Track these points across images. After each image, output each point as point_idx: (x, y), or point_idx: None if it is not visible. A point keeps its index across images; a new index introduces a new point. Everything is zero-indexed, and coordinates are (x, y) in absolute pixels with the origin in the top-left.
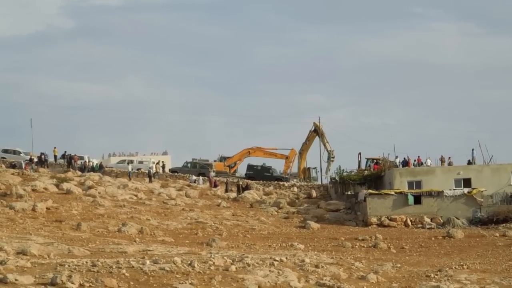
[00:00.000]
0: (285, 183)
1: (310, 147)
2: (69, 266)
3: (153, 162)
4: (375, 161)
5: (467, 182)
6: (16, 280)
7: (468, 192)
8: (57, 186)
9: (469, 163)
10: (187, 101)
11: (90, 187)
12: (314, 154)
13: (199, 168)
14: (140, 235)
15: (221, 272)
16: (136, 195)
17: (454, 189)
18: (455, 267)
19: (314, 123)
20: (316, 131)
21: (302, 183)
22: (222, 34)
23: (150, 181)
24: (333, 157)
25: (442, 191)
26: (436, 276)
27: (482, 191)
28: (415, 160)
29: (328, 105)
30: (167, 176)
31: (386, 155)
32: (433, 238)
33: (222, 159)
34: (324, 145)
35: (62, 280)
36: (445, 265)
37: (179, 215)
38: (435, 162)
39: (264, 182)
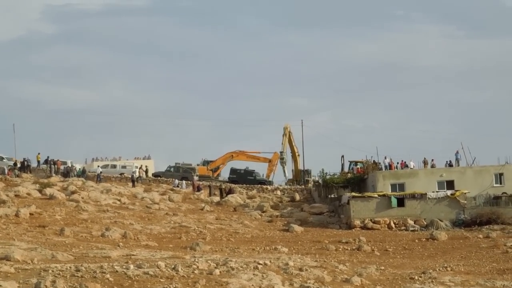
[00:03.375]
0: (268, 186)
1: (296, 149)
2: (53, 271)
3: (136, 167)
4: (358, 164)
5: (450, 184)
6: (0, 285)
7: (451, 194)
8: (40, 191)
9: (451, 165)
10: (169, 105)
11: (73, 192)
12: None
13: (182, 172)
14: (123, 239)
15: (205, 276)
16: (119, 200)
17: (437, 191)
18: (439, 269)
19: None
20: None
21: (296, 186)
22: (204, 38)
23: (133, 185)
24: (282, 159)
25: (425, 194)
26: (420, 278)
27: (465, 193)
28: (398, 163)
29: (311, 108)
30: (150, 181)
31: (369, 158)
32: (416, 240)
33: (205, 163)
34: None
35: (46, 285)
36: (429, 267)
37: (162, 219)
38: (418, 165)
39: (248, 185)
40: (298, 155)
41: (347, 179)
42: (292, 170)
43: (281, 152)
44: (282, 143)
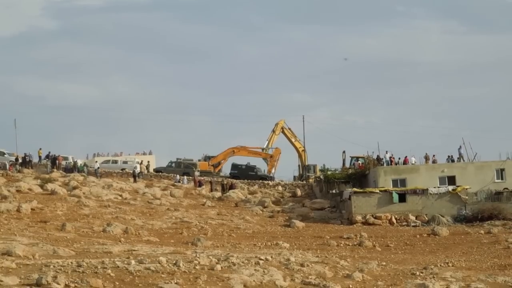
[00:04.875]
0: (269, 182)
1: (299, 145)
2: (54, 266)
3: (138, 162)
4: (359, 159)
5: (451, 180)
6: (1, 281)
7: (453, 190)
8: (41, 186)
9: (452, 160)
10: (171, 101)
11: (74, 188)
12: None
13: (184, 168)
14: (125, 235)
15: (207, 272)
16: (120, 195)
17: (438, 187)
18: (440, 265)
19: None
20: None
21: (298, 182)
22: (205, 33)
23: (135, 181)
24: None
25: (427, 189)
26: (421, 274)
27: (466, 189)
28: (399, 158)
29: (312, 104)
30: (151, 176)
31: (370, 154)
32: (418, 236)
33: (207, 158)
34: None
35: (47, 281)
36: (430, 263)
37: (164, 214)
38: (420, 160)
39: (249, 181)
40: (303, 151)
41: (349, 174)
42: (299, 165)
43: (263, 149)
44: (267, 139)
